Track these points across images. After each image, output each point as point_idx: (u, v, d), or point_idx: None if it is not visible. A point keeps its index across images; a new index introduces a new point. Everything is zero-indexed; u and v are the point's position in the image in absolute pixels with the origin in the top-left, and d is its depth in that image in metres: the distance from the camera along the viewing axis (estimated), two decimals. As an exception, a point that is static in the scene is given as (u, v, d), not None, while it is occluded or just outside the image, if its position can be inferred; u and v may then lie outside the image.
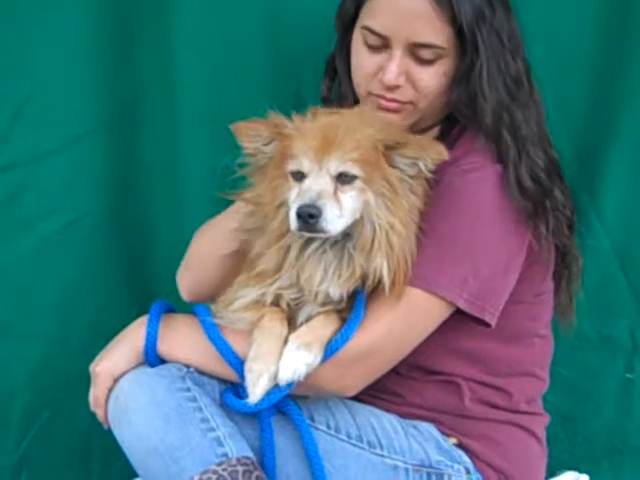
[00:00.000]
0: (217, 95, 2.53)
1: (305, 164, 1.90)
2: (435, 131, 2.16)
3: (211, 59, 2.51)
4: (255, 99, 2.47)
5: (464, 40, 2.02)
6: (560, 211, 2.09)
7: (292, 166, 1.92)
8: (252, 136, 1.98)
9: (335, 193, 1.88)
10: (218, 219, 2.22)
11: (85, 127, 2.52)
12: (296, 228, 1.87)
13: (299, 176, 1.91)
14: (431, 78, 2.06)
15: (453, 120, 2.13)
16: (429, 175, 1.93)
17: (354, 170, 1.88)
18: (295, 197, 1.90)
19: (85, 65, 2.48)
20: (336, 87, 2.28)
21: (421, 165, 1.92)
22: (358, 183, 1.89)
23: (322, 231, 1.86)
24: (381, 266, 1.91)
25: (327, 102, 2.26)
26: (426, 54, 2.04)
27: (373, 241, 1.91)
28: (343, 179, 1.89)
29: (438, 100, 2.10)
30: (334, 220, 1.86)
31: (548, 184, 2.06)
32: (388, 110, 2.10)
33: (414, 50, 2.04)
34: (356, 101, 2.18)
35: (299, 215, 1.84)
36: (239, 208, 2.08)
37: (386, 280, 1.92)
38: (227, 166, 2.08)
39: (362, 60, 2.11)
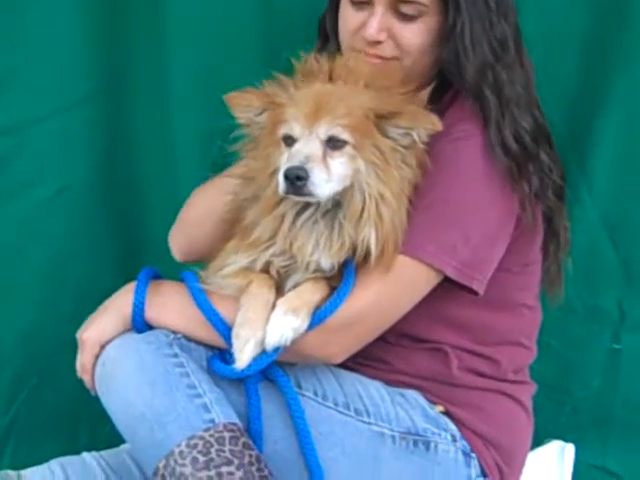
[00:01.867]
0: (208, 62, 2.53)
1: (296, 129, 1.89)
2: (424, 94, 2.15)
3: (202, 25, 2.50)
4: (247, 64, 2.48)
5: None
6: (546, 174, 2.08)
7: (283, 131, 1.91)
8: (244, 106, 1.98)
9: (324, 158, 1.87)
10: (218, 180, 2.20)
11: (75, 94, 2.52)
12: (283, 191, 1.86)
13: (290, 141, 1.91)
14: (414, 35, 2.06)
15: (446, 86, 2.13)
16: (422, 146, 1.93)
17: (344, 135, 1.88)
18: (285, 161, 1.89)
19: (76, 32, 2.49)
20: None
21: (414, 135, 1.91)
22: (348, 149, 1.89)
23: (310, 194, 1.85)
24: (369, 236, 1.91)
25: None
26: (408, 9, 2.04)
27: (362, 210, 1.91)
28: (333, 144, 1.88)
29: (425, 58, 2.09)
30: (322, 184, 1.86)
31: (533, 148, 2.05)
32: None
33: (396, 6, 2.05)
34: None
35: (286, 177, 1.84)
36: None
37: (374, 251, 1.92)
38: (221, 146, 2.09)
39: (347, 17, 2.12)
